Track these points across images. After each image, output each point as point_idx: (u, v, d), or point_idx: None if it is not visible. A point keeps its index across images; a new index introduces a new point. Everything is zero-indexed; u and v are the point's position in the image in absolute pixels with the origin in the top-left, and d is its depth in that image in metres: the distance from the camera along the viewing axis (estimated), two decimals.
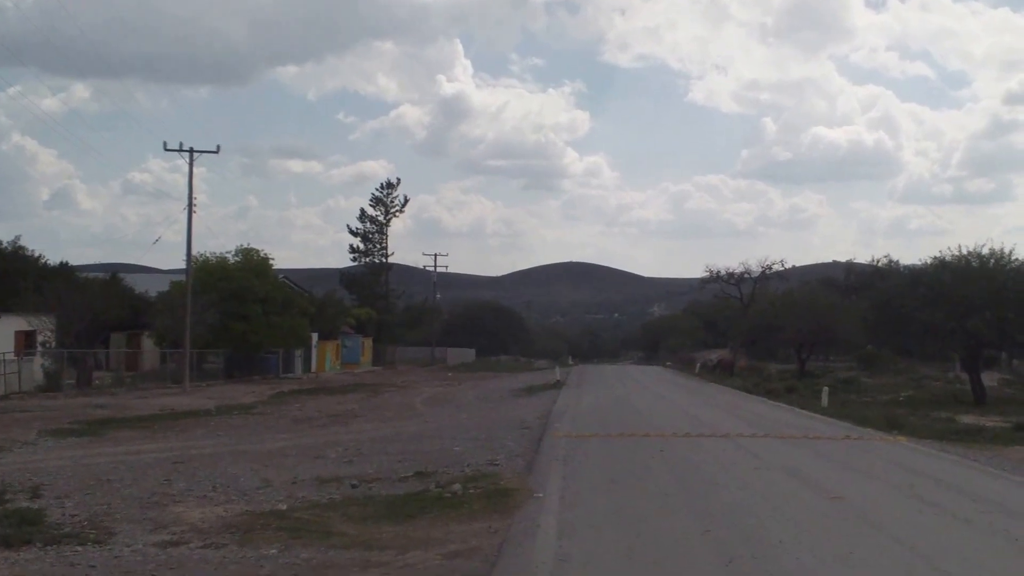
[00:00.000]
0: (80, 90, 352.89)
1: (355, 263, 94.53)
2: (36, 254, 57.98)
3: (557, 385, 50.42)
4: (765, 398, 41.88)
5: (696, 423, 27.00)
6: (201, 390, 44.30)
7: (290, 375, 60.45)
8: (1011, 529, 11.67)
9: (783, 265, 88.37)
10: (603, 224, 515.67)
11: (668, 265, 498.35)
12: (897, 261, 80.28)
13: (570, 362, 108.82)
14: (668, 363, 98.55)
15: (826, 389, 38.03)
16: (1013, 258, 38.60)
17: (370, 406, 36.45)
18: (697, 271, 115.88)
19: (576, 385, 52.57)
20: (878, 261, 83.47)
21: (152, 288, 59.29)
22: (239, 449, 21.06)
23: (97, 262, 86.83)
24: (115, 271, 63.94)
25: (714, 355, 77.84)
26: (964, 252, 39.39)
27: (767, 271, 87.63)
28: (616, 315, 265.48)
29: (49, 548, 10.56)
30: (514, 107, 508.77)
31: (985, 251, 38.94)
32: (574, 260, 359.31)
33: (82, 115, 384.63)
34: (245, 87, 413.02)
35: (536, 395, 42.94)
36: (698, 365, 76.22)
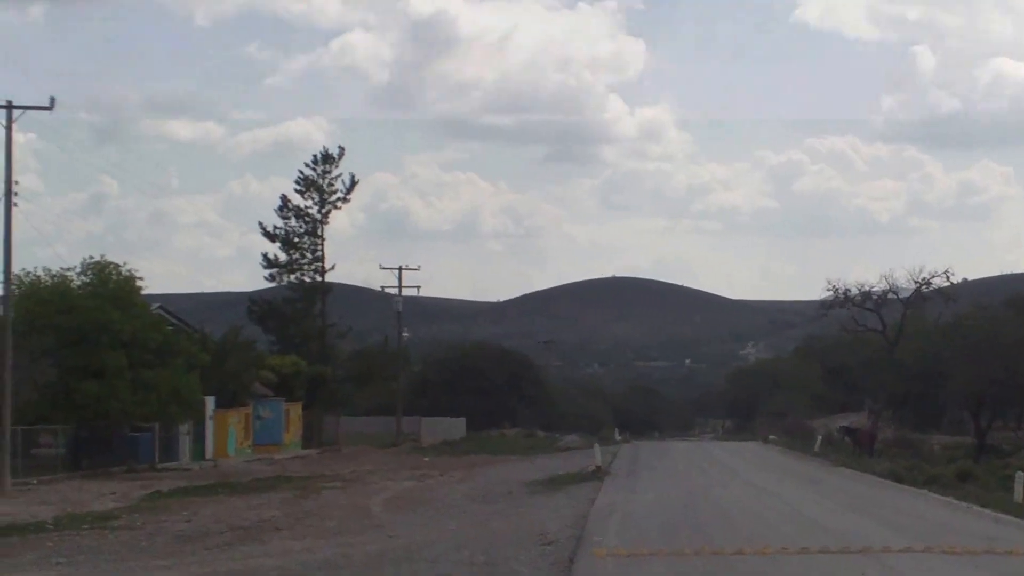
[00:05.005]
0: None
1: (273, 283, 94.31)
2: None
3: (597, 474, 50.26)
4: (925, 490, 41.74)
5: (817, 531, 26.90)
6: (32, 490, 43.97)
7: (173, 464, 60.08)
8: None
9: (949, 278, 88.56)
10: (666, 216, 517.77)
11: (768, 281, 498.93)
12: None
13: (617, 437, 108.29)
14: (771, 436, 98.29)
15: (1020, 474, 37.89)
16: None
17: (300, 512, 36.19)
18: (814, 290, 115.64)
19: (628, 473, 52.62)
20: None
21: None
22: None
23: None
24: None
25: (844, 422, 77.58)
26: None
27: (923, 288, 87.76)
28: (688, 361, 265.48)
29: None
30: (526, 33, 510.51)
31: None
32: (620, 275, 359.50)
33: None
34: (97, 4, 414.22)
35: (564, 490, 42.78)
36: (819, 439, 75.96)
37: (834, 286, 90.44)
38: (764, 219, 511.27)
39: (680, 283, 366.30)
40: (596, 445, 70.15)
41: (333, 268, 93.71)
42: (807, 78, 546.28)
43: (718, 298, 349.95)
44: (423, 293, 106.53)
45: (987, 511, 33.03)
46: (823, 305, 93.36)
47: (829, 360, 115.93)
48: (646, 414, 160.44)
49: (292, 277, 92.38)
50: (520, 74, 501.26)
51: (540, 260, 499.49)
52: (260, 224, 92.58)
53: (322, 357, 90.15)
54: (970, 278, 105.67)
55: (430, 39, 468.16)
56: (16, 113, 46.50)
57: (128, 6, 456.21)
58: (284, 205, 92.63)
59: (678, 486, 44.01)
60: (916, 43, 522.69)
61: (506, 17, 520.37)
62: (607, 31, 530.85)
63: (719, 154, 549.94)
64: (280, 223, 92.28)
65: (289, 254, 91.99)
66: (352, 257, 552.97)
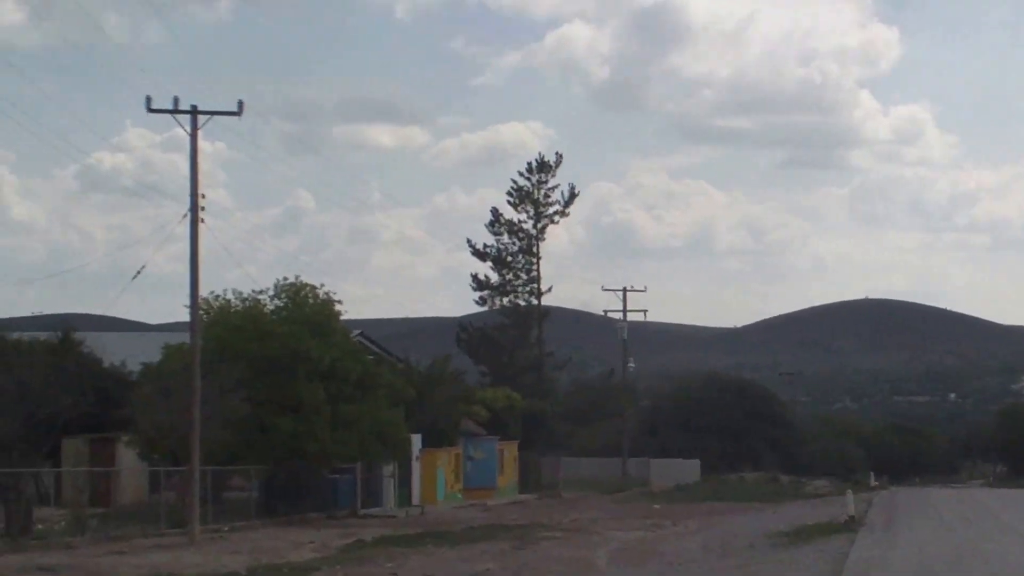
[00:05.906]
0: (9, 11, 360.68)
1: (483, 307, 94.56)
2: None
3: (850, 525, 49.64)
4: None
5: None
6: (223, 538, 44.55)
7: (376, 510, 60.57)
8: None
9: None
10: (926, 230, 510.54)
11: None
12: None
13: (872, 483, 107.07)
14: None
15: None
16: None
17: (517, 565, 36.18)
18: None
19: (885, 525, 51.92)
20: None
21: (132, 357, 60.05)
22: None
23: (35, 313, 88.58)
24: (68, 327, 64.69)
25: None
26: None
27: None
28: (953, 396, 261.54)
29: None
30: (765, 22, 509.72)
31: None
32: (874, 297, 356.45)
33: (11, 56, 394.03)
34: (288, 2, 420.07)
35: (812, 543, 42.22)
36: None
37: None
38: None
39: (943, 306, 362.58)
40: (848, 492, 68.98)
41: (550, 290, 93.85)
42: None
43: (987, 323, 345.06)
44: (650, 318, 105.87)
45: None
46: None
47: None
48: (905, 456, 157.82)
49: (505, 300, 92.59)
50: (758, 69, 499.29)
51: (782, 280, 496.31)
52: (469, 241, 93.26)
53: (539, 390, 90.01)
54: None
55: (656, 30, 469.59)
56: (202, 120, 46.60)
57: (322, 0, 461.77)
58: (495, 220, 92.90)
59: (943, 540, 42.95)
60: None
61: (742, 4, 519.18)
62: (857, 18, 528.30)
63: (987, 158, 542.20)
64: (491, 240, 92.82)
65: (501, 274, 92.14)
66: (571, 278, 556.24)
